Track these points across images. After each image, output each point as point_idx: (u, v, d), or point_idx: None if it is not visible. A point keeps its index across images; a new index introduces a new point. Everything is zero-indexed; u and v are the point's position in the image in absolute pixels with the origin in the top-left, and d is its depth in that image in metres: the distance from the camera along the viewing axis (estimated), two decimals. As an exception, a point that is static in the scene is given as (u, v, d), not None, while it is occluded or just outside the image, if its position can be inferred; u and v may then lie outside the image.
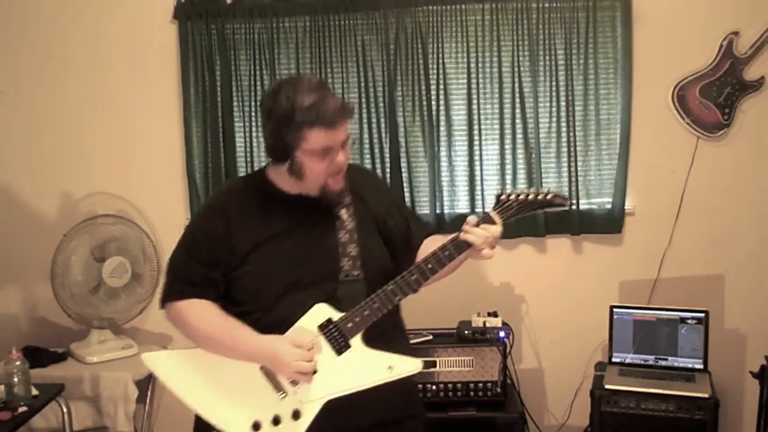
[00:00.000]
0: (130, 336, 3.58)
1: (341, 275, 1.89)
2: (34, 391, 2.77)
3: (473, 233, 1.85)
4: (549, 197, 1.90)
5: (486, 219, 1.88)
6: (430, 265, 1.85)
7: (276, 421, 1.84)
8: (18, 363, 2.72)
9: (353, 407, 1.83)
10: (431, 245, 1.99)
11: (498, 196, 1.91)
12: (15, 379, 2.71)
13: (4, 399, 2.71)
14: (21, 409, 2.66)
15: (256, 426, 1.84)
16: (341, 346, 1.84)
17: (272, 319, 1.85)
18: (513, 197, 1.89)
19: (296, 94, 1.78)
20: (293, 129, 1.79)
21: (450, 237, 1.90)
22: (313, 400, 1.83)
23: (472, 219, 1.87)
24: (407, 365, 1.86)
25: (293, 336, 1.83)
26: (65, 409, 2.91)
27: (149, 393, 3.59)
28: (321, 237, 1.91)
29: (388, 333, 1.93)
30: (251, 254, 1.87)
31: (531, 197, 1.90)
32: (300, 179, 1.86)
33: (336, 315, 1.85)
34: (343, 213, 1.94)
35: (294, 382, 1.84)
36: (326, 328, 1.85)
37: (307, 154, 1.81)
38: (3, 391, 2.73)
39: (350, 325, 1.84)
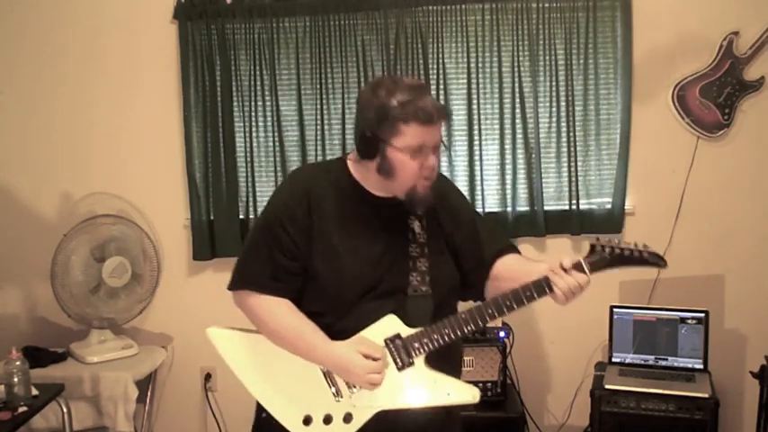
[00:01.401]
0: (130, 336, 3.58)
1: (409, 290, 1.86)
2: (34, 391, 2.77)
3: (562, 280, 1.79)
4: (645, 255, 1.84)
5: (577, 266, 1.80)
6: (508, 302, 1.82)
7: (327, 420, 1.85)
8: (18, 363, 2.72)
9: (400, 420, 1.84)
10: (510, 267, 1.95)
11: (593, 245, 1.83)
12: (15, 379, 2.71)
13: (4, 399, 2.71)
14: (21, 409, 2.66)
15: (307, 420, 1.85)
16: (404, 363, 1.83)
17: (344, 327, 1.84)
18: (607, 250, 1.82)
19: (396, 89, 1.76)
20: (389, 122, 1.76)
21: (527, 261, 1.91)
22: (367, 407, 1.84)
23: (566, 262, 1.80)
24: (465, 395, 1.85)
25: (364, 346, 1.82)
26: (65, 409, 2.91)
27: (149, 393, 3.59)
28: (395, 248, 1.87)
29: (449, 356, 1.91)
30: (330, 253, 1.84)
31: (626, 252, 1.83)
32: (389, 178, 1.81)
33: (404, 328, 1.84)
34: (417, 227, 1.91)
35: (352, 386, 1.85)
36: (393, 342, 1.84)
37: (400, 151, 1.77)
38: (3, 391, 2.73)
39: (416, 344, 1.83)
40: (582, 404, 3.40)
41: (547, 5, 3.40)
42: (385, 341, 1.84)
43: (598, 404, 3.08)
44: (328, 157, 3.52)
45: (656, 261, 1.83)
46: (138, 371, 3.33)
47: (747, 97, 3.37)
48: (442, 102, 3.48)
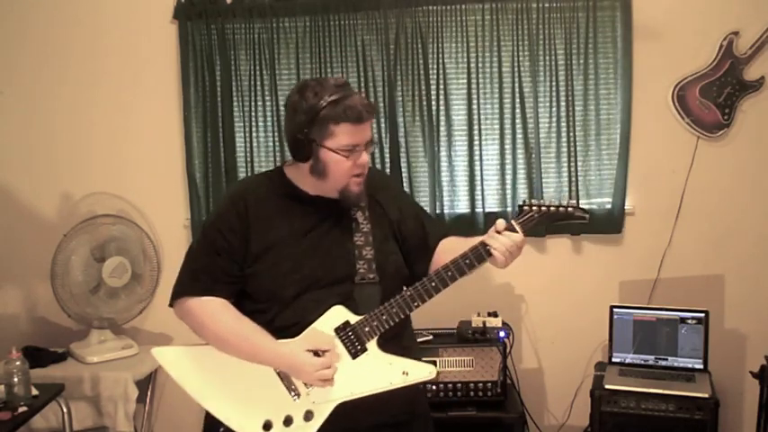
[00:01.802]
0: (130, 336, 3.58)
1: (356, 278, 1.88)
2: (34, 391, 2.77)
3: (497, 239, 1.84)
4: (569, 209, 1.89)
5: (509, 228, 1.87)
6: (449, 273, 1.85)
7: (288, 422, 1.84)
8: (18, 363, 2.72)
9: (361, 407, 1.84)
10: (449, 246, 1.99)
11: (521, 206, 1.90)
12: (15, 379, 2.71)
13: (4, 399, 2.71)
14: (21, 409, 2.66)
15: (267, 425, 1.84)
16: (357, 350, 1.84)
17: (288, 320, 1.85)
18: (535, 208, 1.88)
19: (323, 90, 1.79)
20: (319, 124, 1.79)
21: (466, 239, 1.91)
22: (326, 402, 1.83)
23: (500, 224, 1.86)
24: (422, 371, 1.86)
25: (311, 341, 1.83)
26: (65, 409, 2.91)
27: (149, 393, 3.59)
28: (338, 239, 1.90)
29: (401, 336, 1.93)
30: (268, 252, 1.86)
31: (552, 209, 1.90)
32: (323, 178, 1.85)
33: (352, 316, 1.85)
34: (360, 216, 1.94)
35: (308, 384, 1.85)
36: (343, 330, 1.84)
37: (332, 151, 1.81)
38: (3, 391, 2.73)
39: (367, 329, 1.84)
40: (582, 404, 3.40)
41: (547, 5, 3.40)
42: (335, 331, 1.85)
43: (598, 404, 3.08)
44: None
45: (581, 214, 1.91)
46: (138, 371, 3.33)
47: (747, 97, 3.37)
48: (442, 102, 3.48)
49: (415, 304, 1.86)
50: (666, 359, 3.22)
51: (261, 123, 3.55)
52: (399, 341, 1.91)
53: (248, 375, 1.86)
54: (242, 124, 3.56)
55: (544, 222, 1.91)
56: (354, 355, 1.84)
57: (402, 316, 1.85)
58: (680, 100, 3.40)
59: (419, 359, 1.90)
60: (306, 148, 1.82)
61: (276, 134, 3.54)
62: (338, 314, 1.85)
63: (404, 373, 1.85)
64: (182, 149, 3.59)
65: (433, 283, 1.85)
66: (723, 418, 3.17)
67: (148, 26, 3.56)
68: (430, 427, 2.07)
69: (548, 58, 3.43)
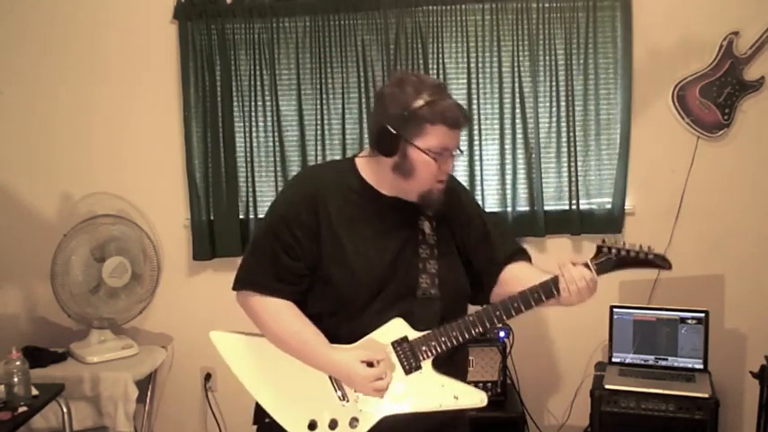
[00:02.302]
0: (130, 336, 3.58)
1: (418, 292, 1.84)
2: (34, 391, 2.77)
3: (569, 270, 1.78)
4: (650, 257, 1.83)
5: (584, 266, 1.80)
6: (516, 305, 1.80)
7: (333, 425, 1.82)
8: (18, 363, 2.72)
9: (405, 420, 1.82)
10: (518, 274, 1.93)
11: (599, 246, 1.82)
12: (15, 379, 2.70)
13: (4, 399, 2.70)
14: (21, 409, 2.66)
15: (312, 425, 1.83)
16: (411, 367, 1.82)
17: (352, 329, 1.82)
18: (614, 251, 1.81)
19: (423, 87, 1.73)
20: (415, 121, 1.72)
21: (538, 270, 1.88)
22: (373, 412, 1.82)
23: (575, 259, 1.82)
24: (473, 399, 1.84)
25: (366, 350, 1.80)
26: (65, 409, 2.91)
27: (149, 393, 3.59)
28: (404, 249, 1.84)
29: (456, 359, 1.90)
30: (339, 256, 1.80)
31: (632, 254, 1.83)
32: (407, 178, 1.78)
33: (411, 332, 1.82)
34: (426, 227, 1.88)
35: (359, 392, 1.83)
36: (400, 345, 1.82)
37: (422, 151, 1.74)
38: (3, 391, 2.73)
39: (424, 348, 1.81)
40: (582, 404, 3.40)
41: (547, 5, 3.40)
42: (392, 344, 1.82)
43: (598, 404, 3.08)
44: (328, 157, 3.52)
45: (662, 263, 1.84)
46: (138, 371, 3.33)
47: (747, 97, 3.37)
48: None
49: (476, 330, 1.81)
50: (666, 359, 3.22)
51: (261, 123, 3.55)
52: (454, 363, 1.88)
53: (300, 373, 1.84)
54: (242, 124, 3.55)
55: (621, 267, 1.84)
56: (408, 372, 1.82)
57: (461, 340, 1.82)
58: (680, 100, 3.40)
59: (469, 382, 1.88)
60: (394, 144, 1.75)
61: (276, 134, 3.54)
62: (398, 327, 1.82)
63: (455, 397, 1.83)
64: (182, 149, 3.59)
65: (498, 312, 1.81)
66: (723, 418, 3.17)
67: (148, 26, 3.56)
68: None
69: (548, 58, 3.43)
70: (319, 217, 1.81)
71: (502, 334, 3.18)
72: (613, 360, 3.28)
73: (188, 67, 3.52)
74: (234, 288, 1.91)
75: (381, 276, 1.81)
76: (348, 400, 1.83)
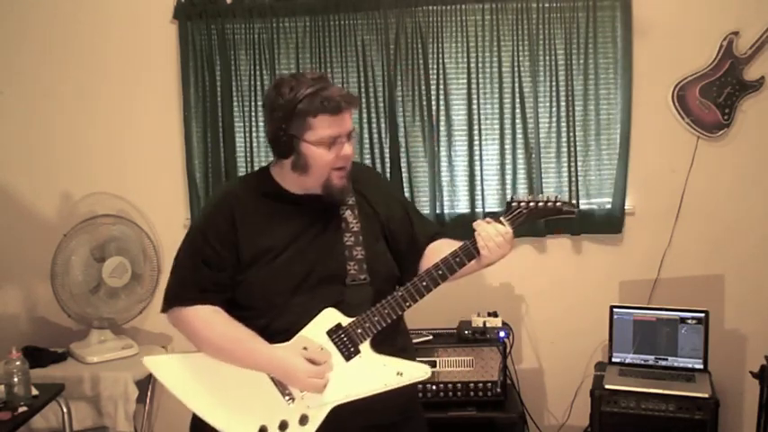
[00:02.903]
0: (130, 336, 3.58)
1: (347, 279, 1.86)
2: (34, 391, 2.77)
3: (483, 228, 1.83)
4: (558, 204, 1.89)
5: (497, 222, 1.85)
6: (440, 272, 1.84)
7: (283, 426, 1.82)
8: (18, 363, 2.72)
9: (356, 409, 1.83)
10: (439, 247, 1.97)
11: (509, 202, 1.88)
12: (15, 379, 2.70)
13: (4, 399, 2.70)
14: (21, 409, 2.66)
15: (263, 431, 1.82)
16: (350, 353, 1.83)
17: (281, 324, 1.83)
18: (523, 204, 1.87)
19: (299, 84, 1.77)
20: (298, 117, 1.77)
21: (456, 242, 1.90)
22: (321, 405, 1.82)
23: (487, 219, 1.86)
24: (417, 372, 1.86)
25: (304, 344, 1.81)
26: (65, 409, 2.91)
27: (149, 393, 3.59)
28: (328, 240, 1.88)
29: (395, 337, 1.92)
30: (258, 258, 1.83)
31: (540, 204, 1.88)
32: (305, 172, 1.82)
33: (345, 320, 1.84)
34: (349, 216, 1.91)
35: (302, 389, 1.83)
36: (336, 333, 1.83)
37: (312, 144, 1.78)
38: (3, 391, 2.73)
39: (359, 330, 1.83)
40: (582, 404, 3.40)
41: (547, 5, 3.40)
42: (327, 333, 1.83)
43: (598, 404, 3.08)
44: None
45: (570, 209, 1.91)
46: (138, 371, 3.32)
47: (747, 97, 3.37)
48: (442, 102, 3.48)
49: (407, 304, 1.84)
50: (666, 359, 3.22)
51: (261, 123, 3.55)
52: (393, 342, 1.90)
53: (242, 381, 1.84)
54: (242, 124, 3.56)
55: (533, 218, 1.89)
56: (348, 358, 1.83)
57: (394, 317, 1.84)
58: (680, 100, 3.40)
59: (414, 359, 1.90)
60: (286, 144, 1.80)
61: (276, 134, 3.53)
62: (330, 317, 1.84)
63: (398, 373, 1.84)
64: (182, 149, 3.59)
65: (424, 283, 1.84)
66: (723, 418, 3.17)
67: (148, 26, 3.56)
68: (424, 428, 2.06)
69: (548, 58, 3.43)
70: (236, 224, 1.84)
71: (502, 334, 3.18)
72: (613, 360, 3.28)
73: (188, 67, 3.52)
74: (162, 310, 1.92)
75: (303, 270, 1.84)
76: (294, 399, 1.83)
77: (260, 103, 3.52)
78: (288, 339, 1.83)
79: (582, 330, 3.53)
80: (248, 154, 3.55)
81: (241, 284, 1.85)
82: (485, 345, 3.16)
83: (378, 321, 1.83)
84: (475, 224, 1.85)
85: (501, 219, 1.85)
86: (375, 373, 1.84)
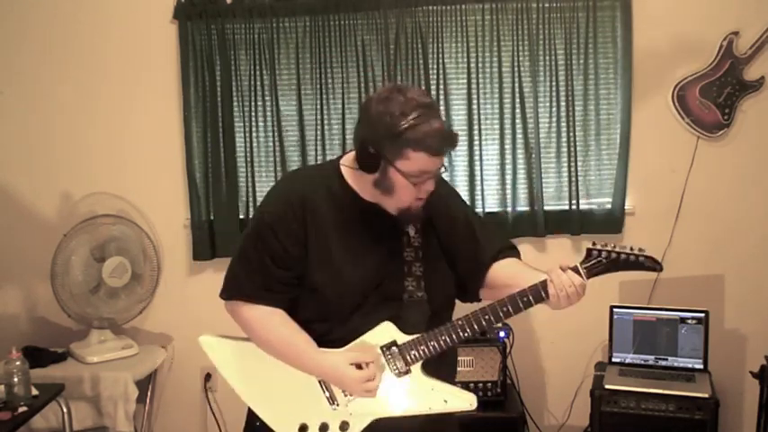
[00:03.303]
0: (130, 336, 3.58)
1: (405, 296, 1.84)
2: (34, 391, 2.77)
3: (559, 276, 1.75)
4: (640, 259, 1.77)
5: (574, 270, 1.77)
6: (505, 309, 1.79)
7: (323, 428, 1.83)
8: (18, 363, 2.72)
9: (396, 426, 1.83)
10: (509, 270, 1.90)
11: (589, 250, 1.78)
12: (15, 379, 2.71)
13: (4, 399, 2.71)
14: (21, 409, 2.66)
15: (303, 429, 1.83)
16: (401, 371, 1.82)
17: (341, 335, 1.83)
18: (604, 254, 1.76)
19: (408, 108, 1.68)
20: (397, 145, 1.69)
21: (528, 267, 1.86)
22: (363, 415, 1.83)
23: (564, 265, 1.77)
24: (463, 402, 1.85)
25: (357, 355, 1.81)
26: (65, 409, 2.91)
27: (149, 393, 3.59)
28: (390, 253, 1.84)
29: (444, 362, 1.91)
30: (327, 264, 1.81)
31: (623, 257, 1.77)
32: (386, 195, 1.77)
33: (400, 336, 1.82)
34: (411, 230, 1.87)
35: (348, 394, 1.84)
36: (389, 349, 1.82)
37: (402, 174, 1.72)
38: (3, 391, 2.73)
39: (413, 352, 1.81)
40: (582, 404, 3.40)
41: (547, 5, 3.40)
42: (381, 349, 1.82)
43: (598, 404, 3.08)
44: (328, 157, 3.51)
45: (653, 265, 1.78)
46: (138, 371, 3.33)
47: (747, 97, 3.37)
48: (442, 102, 3.48)
49: (465, 334, 1.82)
50: (666, 359, 3.22)
51: (261, 123, 3.55)
52: (443, 367, 1.89)
53: (290, 377, 1.85)
54: (242, 124, 3.55)
55: (612, 270, 1.78)
56: (398, 375, 1.83)
57: (450, 344, 1.82)
58: (680, 100, 3.40)
59: (460, 383, 1.90)
60: (374, 162, 1.72)
61: (276, 134, 3.54)
62: (386, 331, 1.82)
63: (445, 401, 1.83)
64: (182, 149, 3.59)
65: (487, 317, 1.80)
66: (723, 418, 3.17)
67: (148, 26, 3.56)
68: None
69: (548, 58, 3.43)
70: (307, 224, 1.81)
71: (502, 334, 3.18)
72: (613, 360, 3.28)
73: (188, 67, 3.52)
74: (222, 297, 1.90)
75: (368, 281, 1.82)
76: (338, 404, 1.84)
77: (260, 104, 3.52)
78: (341, 346, 1.83)
79: (582, 330, 3.53)
80: (248, 154, 3.55)
81: (306, 291, 1.83)
82: (485, 345, 3.16)
83: (434, 347, 1.81)
84: (549, 270, 1.77)
85: (578, 267, 1.77)
86: (422, 396, 1.83)
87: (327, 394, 1.85)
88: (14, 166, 3.68)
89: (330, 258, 1.81)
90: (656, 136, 3.46)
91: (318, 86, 3.50)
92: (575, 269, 1.76)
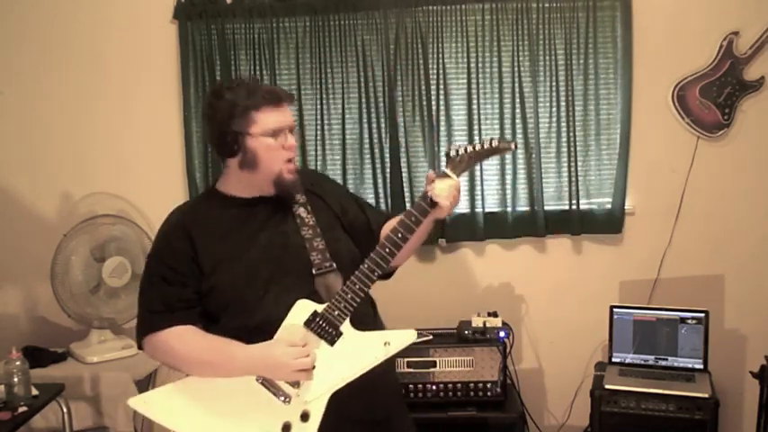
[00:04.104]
0: (130, 336, 3.57)
1: (314, 269, 1.88)
2: (34, 391, 2.77)
3: (434, 187, 1.85)
4: (494, 144, 1.89)
5: (442, 176, 1.88)
6: (399, 234, 1.85)
7: (287, 428, 1.82)
8: (18, 363, 2.72)
9: (353, 396, 1.83)
10: (391, 224, 2.00)
11: (447, 153, 1.90)
12: (15, 379, 2.70)
13: (4, 399, 2.70)
14: (21, 409, 2.66)
15: None
16: (333, 336, 1.83)
17: (257, 325, 1.83)
18: (461, 151, 1.89)
19: (237, 86, 1.87)
20: (241, 114, 1.84)
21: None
22: (318, 396, 1.82)
23: (430, 174, 1.88)
24: (405, 338, 1.86)
25: (284, 336, 1.82)
26: (65, 409, 2.91)
27: (149, 393, 3.58)
28: (286, 237, 1.91)
29: (367, 313, 1.96)
30: (220, 265, 1.86)
31: (477, 147, 1.90)
32: (255, 168, 1.87)
33: (319, 307, 1.85)
34: (302, 212, 1.96)
35: (295, 384, 1.82)
36: (314, 321, 1.83)
37: (258, 137, 1.85)
38: (3, 391, 2.73)
39: (336, 312, 1.83)
40: (582, 404, 3.40)
41: (547, 5, 3.40)
42: (305, 324, 1.83)
43: (598, 404, 3.08)
44: (328, 158, 3.55)
45: (507, 146, 1.91)
46: (138, 371, 3.33)
47: (747, 97, 3.37)
48: (442, 102, 3.48)
49: (375, 274, 1.85)
50: (666, 359, 3.22)
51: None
52: (368, 317, 1.95)
53: (234, 395, 1.83)
54: (242, 124, 3.55)
55: (473, 163, 1.92)
56: (332, 342, 1.83)
57: (366, 289, 1.84)
58: (680, 100, 3.40)
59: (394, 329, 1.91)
60: (232, 143, 1.86)
61: (276, 134, 3.53)
62: (304, 307, 1.84)
63: (386, 344, 1.84)
64: (182, 149, 3.59)
65: (387, 249, 1.85)
66: (723, 418, 3.17)
67: (148, 26, 3.56)
68: (413, 426, 2.09)
69: (548, 58, 3.43)
70: (193, 241, 1.87)
71: (502, 334, 3.18)
72: (613, 360, 3.28)
73: (188, 67, 3.52)
74: (138, 345, 1.94)
75: (267, 268, 1.86)
76: (290, 398, 1.83)
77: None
78: (265, 335, 1.83)
79: (582, 330, 3.53)
80: (248, 154, 3.55)
81: (210, 292, 1.87)
82: (485, 345, 3.16)
83: (352, 298, 1.83)
84: (427, 186, 1.87)
85: (445, 171, 1.88)
86: (363, 350, 1.84)
87: (275, 393, 1.83)
88: (15, 166, 3.68)
89: (219, 259, 1.86)
90: (656, 136, 3.46)
91: (318, 86, 3.50)
92: (442, 174, 1.87)
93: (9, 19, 3.60)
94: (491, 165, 3.53)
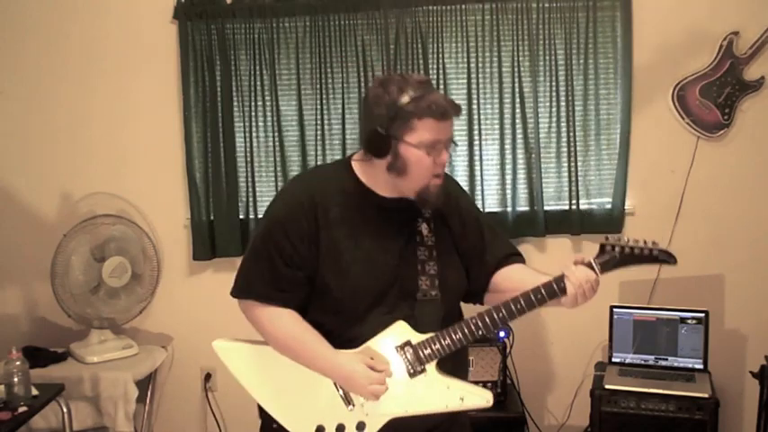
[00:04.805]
0: (130, 336, 3.58)
1: (419, 294, 1.84)
2: (34, 391, 2.77)
3: (574, 272, 1.77)
4: (654, 252, 1.79)
5: (588, 266, 1.79)
6: (519, 306, 1.79)
7: (340, 430, 1.83)
8: (18, 363, 2.72)
9: (412, 422, 1.83)
10: (517, 275, 1.92)
11: (602, 245, 1.80)
12: (15, 379, 2.71)
13: (4, 399, 2.71)
14: (21, 409, 2.66)
15: (319, 430, 1.84)
16: (416, 371, 1.82)
17: (354, 335, 1.82)
18: (617, 249, 1.79)
19: (407, 85, 1.73)
20: (402, 118, 1.72)
21: (536, 272, 1.87)
22: (379, 415, 1.82)
23: (578, 258, 1.80)
24: (479, 399, 1.84)
25: (370, 354, 1.81)
26: (65, 409, 2.91)
27: (149, 393, 3.59)
28: (404, 252, 1.85)
29: (458, 360, 1.91)
30: (339, 263, 1.80)
31: (636, 251, 1.79)
32: (401, 176, 1.77)
33: (414, 335, 1.82)
34: (424, 229, 1.88)
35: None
36: (403, 349, 1.82)
37: (413, 146, 1.73)
38: (3, 391, 2.73)
39: (428, 351, 1.81)
40: (582, 404, 3.40)
41: (547, 5, 3.40)
42: (395, 348, 1.82)
43: (598, 404, 3.08)
44: (328, 158, 3.52)
45: (667, 258, 1.80)
46: (138, 371, 3.33)
47: (747, 97, 3.37)
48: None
49: (479, 332, 1.81)
50: (666, 359, 3.22)
51: (261, 123, 3.55)
52: (458, 365, 1.91)
53: (306, 379, 1.84)
54: (242, 124, 3.55)
55: (626, 265, 1.81)
56: (412, 375, 1.82)
57: (464, 342, 1.82)
58: (680, 100, 3.40)
59: (471, 382, 1.89)
60: (385, 144, 1.74)
61: (276, 134, 3.54)
62: (400, 331, 1.82)
63: (461, 398, 1.83)
64: (182, 149, 3.59)
65: (500, 314, 1.80)
66: (723, 418, 3.17)
67: (148, 26, 3.56)
68: (468, 428, 2.06)
69: (548, 58, 3.43)
70: (319, 223, 1.80)
71: (502, 334, 3.18)
72: (613, 360, 3.28)
73: (188, 67, 3.51)
74: (233, 295, 1.90)
75: (381, 282, 1.82)
76: (354, 405, 1.83)
77: (260, 104, 3.52)
78: (353, 346, 1.82)
79: (582, 330, 3.52)
80: (248, 154, 3.55)
81: (319, 290, 1.83)
82: (485, 345, 3.16)
83: (448, 345, 1.81)
84: (565, 267, 1.79)
85: (592, 262, 1.79)
86: (437, 394, 1.83)
87: (342, 395, 1.84)
88: (14, 166, 3.68)
89: (341, 258, 1.80)
90: (656, 136, 3.46)
91: (318, 86, 3.50)
92: (588, 264, 1.78)
93: (9, 19, 3.60)
94: (491, 165, 3.53)
